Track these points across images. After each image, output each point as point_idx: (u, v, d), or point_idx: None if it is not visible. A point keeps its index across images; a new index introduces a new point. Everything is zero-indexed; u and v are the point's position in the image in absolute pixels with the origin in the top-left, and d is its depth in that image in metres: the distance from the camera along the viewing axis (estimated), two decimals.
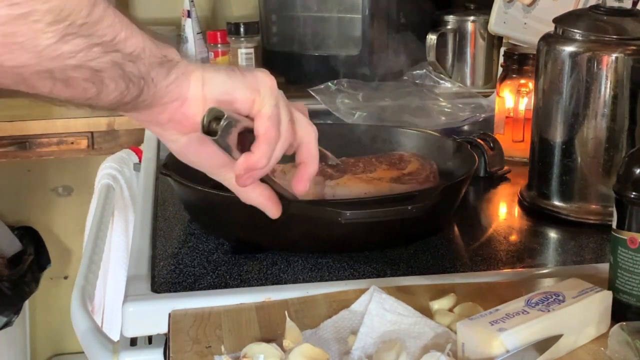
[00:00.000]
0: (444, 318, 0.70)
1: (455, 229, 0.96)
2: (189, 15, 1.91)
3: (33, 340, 2.33)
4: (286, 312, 0.69)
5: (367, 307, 0.70)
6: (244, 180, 0.69)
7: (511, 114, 1.25)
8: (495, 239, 0.94)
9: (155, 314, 0.74)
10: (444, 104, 1.53)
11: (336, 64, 1.66)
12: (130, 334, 0.76)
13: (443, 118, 1.46)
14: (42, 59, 0.56)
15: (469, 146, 1.06)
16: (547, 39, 0.99)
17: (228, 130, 0.66)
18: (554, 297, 0.66)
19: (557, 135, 0.98)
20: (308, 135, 0.73)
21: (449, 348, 0.63)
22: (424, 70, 1.67)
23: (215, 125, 0.66)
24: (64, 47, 0.56)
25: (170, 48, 0.66)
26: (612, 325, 0.66)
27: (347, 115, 1.45)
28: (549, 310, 0.64)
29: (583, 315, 0.66)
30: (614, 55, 0.93)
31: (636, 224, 0.69)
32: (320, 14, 1.72)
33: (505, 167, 1.16)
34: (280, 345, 0.64)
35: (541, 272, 0.84)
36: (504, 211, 1.08)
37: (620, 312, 0.69)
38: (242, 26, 1.81)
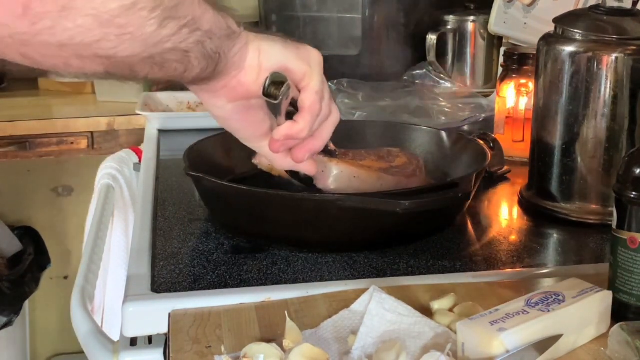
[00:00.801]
0: (444, 318, 0.70)
1: (455, 229, 0.95)
2: None
3: (33, 340, 2.33)
4: (286, 312, 0.69)
5: (367, 307, 0.70)
6: (278, 146, 0.74)
7: (511, 114, 1.25)
8: (495, 239, 0.94)
9: (155, 314, 0.74)
10: (444, 104, 1.53)
11: (336, 64, 1.66)
12: (130, 334, 0.76)
13: (443, 118, 1.46)
14: (148, 45, 0.58)
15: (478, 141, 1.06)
16: (547, 39, 0.99)
17: (286, 95, 0.71)
18: (554, 297, 0.66)
19: (557, 135, 0.98)
20: (333, 116, 0.77)
21: (449, 348, 0.63)
22: (424, 70, 1.67)
23: (273, 89, 0.70)
24: (162, 32, 0.58)
25: (229, 17, 0.69)
26: (612, 325, 0.66)
27: (347, 115, 1.45)
28: (549, 310, 0.64)
29: (583, 315, 0.66)
30: (614, 55, 0.92)
31: (636, 224, 0.69)
32: (320, 14, 1.72)
33: (505, 167, 1.16)
34: (280, 345, 0.64)
35: (541, 272, 0.84)
36: (504, 211, 1.08)
37: (620, 312, 0.69)
38: (242, 26, 1.81)
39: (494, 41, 1.74)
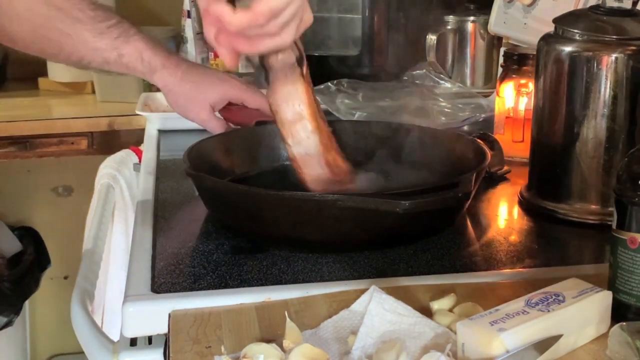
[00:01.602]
0: (444, 318, 0.70)
1: (455, 229, 0.95)
2: (189, 16, 1.90)
3: (33, 340, 2.33)
4: (286, 312, 0.69)
5: (367, 307, 0.70)
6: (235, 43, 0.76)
7: (511, 114, 1.25)
8: (495, 239, 0.94)
9: (155, 314, 0.74)
10: (444, 104, 1.53)
11: (336, 64, 1.66)
12: (130, 334, 0.76)
13: (443, 118, 1.46)
14: None
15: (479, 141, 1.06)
16: (547, 39, 0.99)
17: None
18: (554, 297, 0.66)
19: (557, 135, 0.98)
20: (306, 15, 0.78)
21: (449, 348, 0.63)
22: (424, 70, 1.67)
23: None
24: None
25: None
26: (612, 325, 0.66)
27: (347, 115, 1.45)
28: (549, 311, 0.64)
29: (583, 315, 0.66)
30: (613, 56, 0.92)
31: (636, 224, 0.69)
32: (320, 14, 1.72)
33: (505, 167, 1.16)
34: (280, 346, 0.64)
35: (541, 272, 0.84)
36: (504, 211, 1.08)
37: (620, 312, 0.69)
38: None
39: (494, 41, 1.74)
